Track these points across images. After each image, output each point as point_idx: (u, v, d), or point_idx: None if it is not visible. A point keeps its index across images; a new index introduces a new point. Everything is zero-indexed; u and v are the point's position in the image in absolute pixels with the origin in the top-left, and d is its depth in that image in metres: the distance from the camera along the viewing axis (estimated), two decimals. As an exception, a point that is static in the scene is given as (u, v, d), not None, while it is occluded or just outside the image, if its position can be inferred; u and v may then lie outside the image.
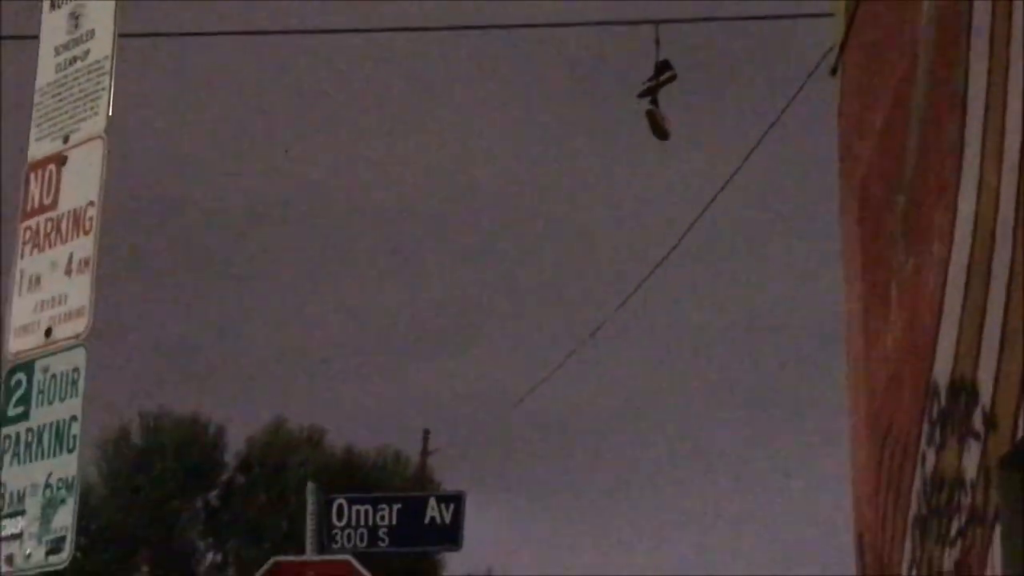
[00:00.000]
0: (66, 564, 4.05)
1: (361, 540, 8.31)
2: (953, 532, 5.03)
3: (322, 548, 8.16)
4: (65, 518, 4.06)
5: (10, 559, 4.18)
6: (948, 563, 5.08)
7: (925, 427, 5.41)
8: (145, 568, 19.42)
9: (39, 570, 4.11)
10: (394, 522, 8.38)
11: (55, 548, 4.07)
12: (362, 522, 8.32)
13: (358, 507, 8.37)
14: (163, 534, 19.18)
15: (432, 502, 8.55)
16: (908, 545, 5.74)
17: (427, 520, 8.44)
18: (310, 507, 7.96)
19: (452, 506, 8.47)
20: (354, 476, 18.24)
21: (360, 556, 8.05)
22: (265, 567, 7.64)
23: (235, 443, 20.01)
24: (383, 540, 8.38)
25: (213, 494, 19.75)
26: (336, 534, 8.26)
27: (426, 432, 23.92)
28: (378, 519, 8.37)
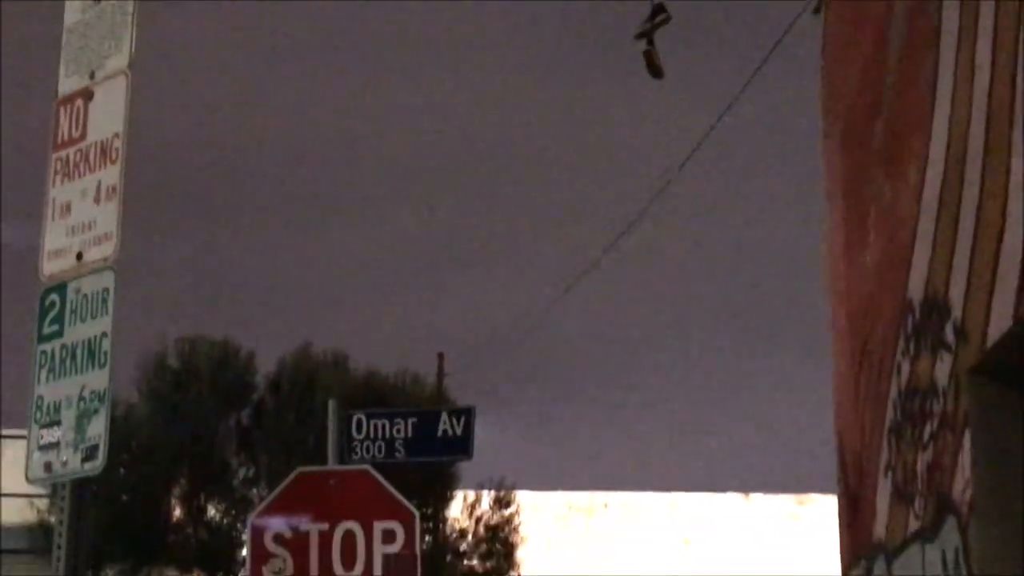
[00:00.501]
0: (100, 471, 4.07)
1: (379, 451, 8.33)
2: (926, 437, 5.03)
3: (343, 460, 8.17)
4: (98, 428, 4.06)
5: (48, 466, 4.20)
6: (921, 466, 5.09)
7: (900, 340, 5.41)
8: (183, 481, 19.49)
9: (75, 476, 4.13)
10: (409, 435, 8.39)
11: (90, 456, 4.08)
12: (380, 435, 8.33)
13: (376, 421, 8.38)
14: (200, 450, 19.23)
15: (444, 416, 8.57)
16: (884, 450, 5.75)
17: (440, 432, 8.45)
18: (331, 421, 7.96)
19: (463, 419, 8.48)
20: (375, 397, 18.27)
21: (379, 468, 8.07)
22: (289, 478, 7.63)
23: (265, 366, 20.06)
24: (399, 451, 8.40)
25: (245, 413, 19.79)
26: (356, 446, 8.27)
27: (441, 355, 23.98)
28: (395, 432, 8.39)
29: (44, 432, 4.22)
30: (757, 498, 42.19)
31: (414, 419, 8.47)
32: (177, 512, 19.58)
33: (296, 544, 7.43)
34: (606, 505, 44.45)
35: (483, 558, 20.95)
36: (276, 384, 19.76)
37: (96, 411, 4.04)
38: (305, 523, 7.38)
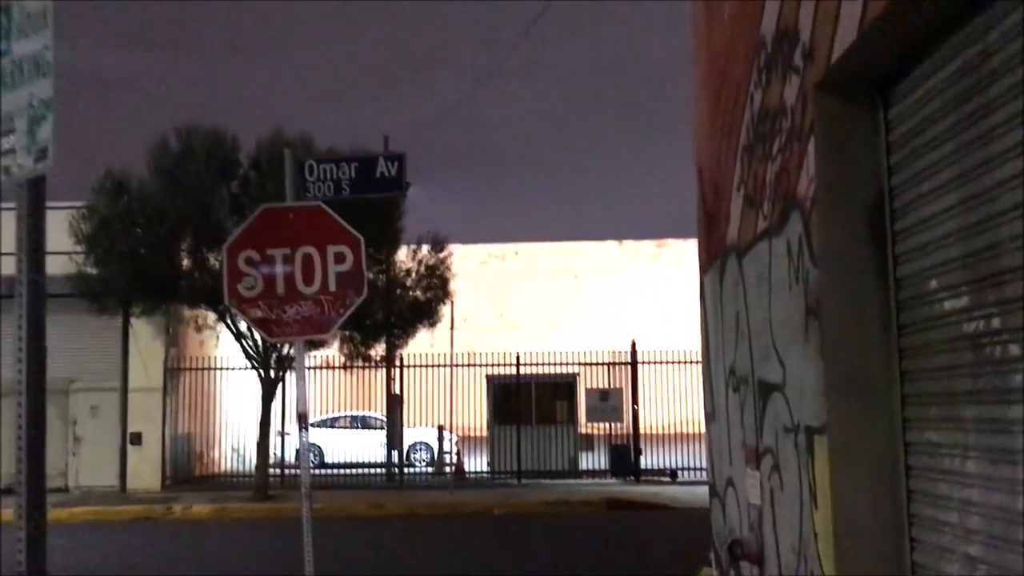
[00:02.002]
0: (49, 170, 3.41)
1: (329, 190, 7.72)
2: (775, 151, 4.54)
3: (299, 199, 7.57)
4: (46, 132, 3.39)
5: (7, 170, 3.54)
6: (770, 175, 4.61)
7: (754, 74, 4.85)
8: (189, 239, 19.04)
9: (30, 176, 3.48)
10: (353, 176, 7.77)
11: (41, 156, 3.42)
12: (329, 176, 7.71)
13: (325, 166, 7.75)
14: (200, 215, 18.69)
15: (382, 160, 7.94)
16: (738, 169, 5.26)
17: (378, 174, 7.85)
18: (287, 166, 7.30)
19: (396, 163, 7.87)
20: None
21: (332, 205, 7.46)
22: (256, 212, 7.02)
23: (247, 148, 19.35)
24: (345, 189, 7.80)
25: (234, 184, 19.21)
26: (309, 186, 7.66)
27: (386, 137, 23.20)
28: (340, 174, 7.76)
29: (2, 141, 3.56)
30: (628, 244, 42.92)
31: (356, 163, 7.84)
32: (185, 262, 19.19)
33: (264, 265, 6.93)
34: (516, 252, 44.85)
35: (424, 290, 20.94)
36: (256, 161, 19.10)
37: (44, 117, 3.37)
38: (271, 248, 6.86)
